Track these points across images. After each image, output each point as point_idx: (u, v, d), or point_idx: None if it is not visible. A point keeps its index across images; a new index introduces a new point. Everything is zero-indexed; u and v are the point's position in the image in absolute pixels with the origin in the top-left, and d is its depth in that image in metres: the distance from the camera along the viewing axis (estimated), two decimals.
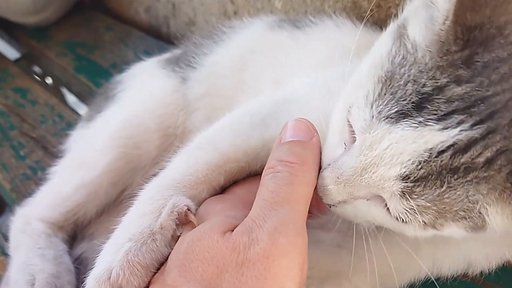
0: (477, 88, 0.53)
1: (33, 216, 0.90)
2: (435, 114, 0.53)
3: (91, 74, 1.48)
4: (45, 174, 0.98)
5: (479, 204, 0.54)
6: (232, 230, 0.56)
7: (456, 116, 0.53)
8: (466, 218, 0.56)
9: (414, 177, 0.55)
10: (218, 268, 0.54)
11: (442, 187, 0.54)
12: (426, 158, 0.54)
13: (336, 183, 0.60)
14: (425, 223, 0.57)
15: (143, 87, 1.01)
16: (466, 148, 0.53)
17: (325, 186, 0.61)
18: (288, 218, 0.55)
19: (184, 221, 0.62)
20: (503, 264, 0.74)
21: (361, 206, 0.61)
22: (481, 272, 0.73)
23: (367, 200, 0.60)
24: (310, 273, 0.66)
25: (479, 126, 0.53)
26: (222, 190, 0.72)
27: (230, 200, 0.67)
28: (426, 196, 0.55)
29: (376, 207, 0.60)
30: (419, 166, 0.54)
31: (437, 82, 0.54)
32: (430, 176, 0.54)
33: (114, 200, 0.94)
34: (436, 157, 0.54)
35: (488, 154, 0.53)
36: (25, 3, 1.62)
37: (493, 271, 0.73)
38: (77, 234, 0.94)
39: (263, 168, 0.63)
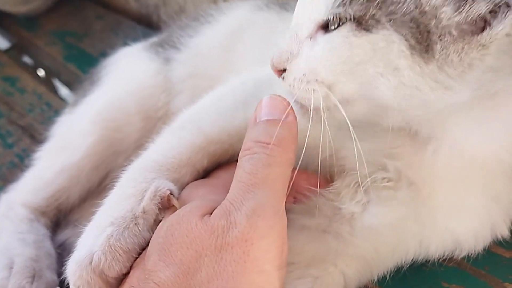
0: None
1: (16, 202, 0.90)
2: None
3: (80, 63, 1.46)
4: (31, 161, 0.98)
5: None
6: (211, 213, 0.56)
7: None
8: (402, 17, 0.55)
9: None
10: (197, 252, 0.53)
11: None
12: None
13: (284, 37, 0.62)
14: (355, 18, 0.56)
15: (125, 70, 1.01)
16: None
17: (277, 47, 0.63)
18: (266, 200, 0.55)
19: (167, 206, 0.62)
20: (488, 249, 0.73)
21: (306, 52, 0.61)
22: (466, 257, 0.72)
23: (311, 39, 0.61)
24: (295, 258, 0.67)
25: None
26: (206, 173, 0.71)
27: (214, 185, 0.66)
28: None
29: (316, 41, 0.60)
30: None
31: None
32: None
33: (97, 185, 0.93)
34: None
35: None
36: None
37: (479, 255, 0.72)
38: (61, 221, 0.93)
39: None
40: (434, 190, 0.68)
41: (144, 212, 0.60)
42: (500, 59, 0.56)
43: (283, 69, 0.62)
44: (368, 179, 0.67)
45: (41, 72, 1.47)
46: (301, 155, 0.65)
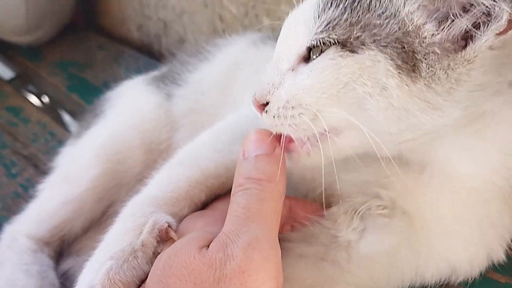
0: None
1: (20, 233, 0.91)
2: None
3: (83, 92, 1.49)
4: (35, 191, 0.99)
5: (397, 5, 0.56)
6: (208, 246, 0.57)
7: None
8: (386, 38, 0.56)
9: None
10: (196, 284, 0.54)
11: None
12: None
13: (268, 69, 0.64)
14: (339, 41, 0.57)
15: (128, 104, 1.03)
16: None
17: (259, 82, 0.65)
18: (260, 233, 0.57)
19: (165, 238, 0.63)
20: (485, 275, 0.73)
21: (288, 83, 0.62)
22: (462, 283, 0.73)
23: (293, 70, 0.62)
24: (293, 286, 0.68)
25: None
26: (204, 205, 0.72)
27: (211, 216, 0.68)
28: (338, 5, 0.58)
29: (299, 71, 0.61)
30: None
31: None
32: None
33: (100, 216, 0.95)
34: None
35: None
36: (18, 23, 1.63)
37: (476, 280, 0.73)
38: (64, 250, 0.94)
39: None
40: (428, 218, 0.69)
41: (143, 245, 0.62)
42: (486, 75, 0.57)
43: (265, 102, 0.64)
44: (363, 206, 0.69)
45: (45, 99, 1.49)
46: (298, 185, 0.67)
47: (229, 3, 1.36)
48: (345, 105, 0.59)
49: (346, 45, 0.57)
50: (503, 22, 0.52)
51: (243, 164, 0.63)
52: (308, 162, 0.65)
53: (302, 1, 0.65)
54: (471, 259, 0.71)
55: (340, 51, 0.57)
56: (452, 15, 0.55)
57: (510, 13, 0.52)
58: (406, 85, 0.56)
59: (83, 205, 0.91)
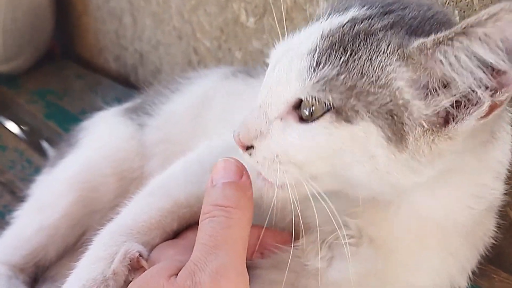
0: None
1: None
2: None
3: (60, 120, 1.51)
4: (11, 218, 1.00)
5: (389, 77, 0.57)
6: (177, 274, 0.59)
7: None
8: (378, 108, 0.57)
9: (320, 50, 0.60)
10: None
11: (346, 53, 0.59)
12: (328, 31, 0.61)
13: (251, 114, 0.65)
14: (335, 107, 0.58)
15: (101, 134, 1.05)
16: (363, 20, 0.61)
17: (244, 123, 0.65)
18: (228, 261, 0.58)
19: (136, 267, 0.64)
20: None
21: (277, 134, 0.63)
22: None
23: (281, 120, 0.63)
24: None
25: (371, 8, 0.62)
26: (175, 234, 0.74)
27: (182, 245, 0.68)
28: (333, 62, 0.58)
29: (290, 126, 0.62)
30: (323, 39, 0.60)
31: None
32: (334, 45, 0.59)
33: (74, 243, 0.96)
34: (336, 29, 0.61)
35: (385, 22, 0.60)
36: None
37: None
38: (39, 276, 0.95)
39: None
40: (394, 247, 0.70)
41: (114, 274, 0.62)
42: (465, 143, 0.59)
43: (250, 145, 0.65)
44: (331, 236, 0.70)
45: (23, 126, 1.51)
46: (267, 215, 0.69)
47: (202, 37, 1.40)
48: (331, 165, 0.62)
49: (341, 113, 0.58)
50: (484, 109, 0.55)
51: (210, 192, 0.64)
52: (279, 196, 0.65)
53: (287, 32, 0.67)
54: (435, 285, 0.72)
55: (335, 120, 0.58)
56: (435, 92, 0.57)
57: (492, 100, 0.54)
58: (393, 154, 0.58)
59: (57, 232, 0.92)
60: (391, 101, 0.57)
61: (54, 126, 1.50)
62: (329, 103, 0.58)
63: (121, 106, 1.14)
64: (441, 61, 0.55)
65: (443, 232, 0.69)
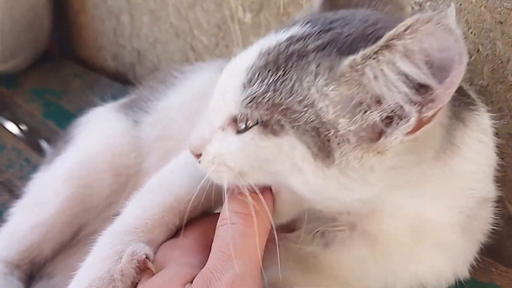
0: None
1: None
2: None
3: (59, 119, 1.50)
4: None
5: (315, 97, 0.58)
6: (191, 281, 0.58)
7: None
8: (304, 125, 0.58)
9: (254, 68, 0.61)
10: None
11: (277, 72, 0.60)
12: (265, 49, 0.62)
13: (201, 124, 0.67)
14: (262, 121, 0.60)
15: (96, 130, 1.04)
16: (300, 39, 0.61)
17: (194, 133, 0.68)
18: (244, 270, 0.58)
19: (143, 268, 0.64)
20: None
21: (217, 142, 0.65)
22: None
23: (223, 130, 0.64)
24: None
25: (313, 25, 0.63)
26: (177, 229, 0.73)
27: (186, 245, 0.68)
28: (263, 81, 0.60)
29: (229, 137, 0.64)
30: (260, 57, 0.61)
31: None
32: (268, 65, 0.60)
33: (70, 240, 0.96)
34: (273, 48, 0.61)
35: (319, 42, 0.60)
36: None
37: None
38: (35, 273, 0.95)
39: (215, 205, 0.69)
40: (390, 240, 0.70)
41: (122, 275, 0.62)
42: (399, 159, 0.59)
43: (199, 154, 0.67)
44: (322, 226, 0.71)
45: (22, 126, 1.50)
46: None
47: (200, 34, 1.40)
48: (267, 175, 0.63)
49: (267, 126, 0.60)
50: (410, 124, 0.55)
51: (230, 198, 0.65)
52: None
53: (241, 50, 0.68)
54: (438, 274, 0.73)
55: (262, 132, 0.60)
56: (369, 108, 0.57)
57: (418, 116, 0.54)
58: (321, 170, 0.59)
59: (52, 228, 0.92)
60: (317, 118, 0.58)
61: (53, 125, 1.49)
62: (257, 118, 0.60)
63: (116, 102, 1.14)
64: (369, 75, 0.55)
65: (437, 227, 0.69)
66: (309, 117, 0.58)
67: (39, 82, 1.72)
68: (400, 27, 0.51)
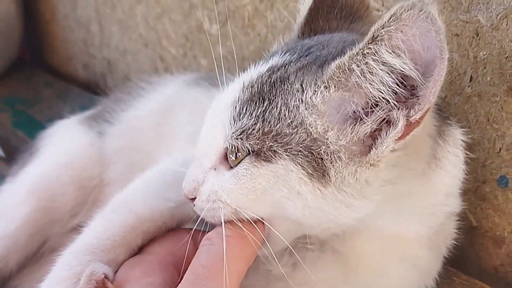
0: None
1: None
2: None
3: (29, 129, 1.49)
4: None
5: (303, 114, 0.60)
6: None
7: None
8: (296, 147, 0.59)
9: (240, 101, 0.62)
10: None
11: (264, 102, 0.61)
12: (248, 82, 0.63)
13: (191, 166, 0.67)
14: (254, 151, 0.60)
15: (60, 143, 1.05)
16: (280, 67, 0.63)
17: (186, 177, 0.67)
18: None
19: None
20: None
21: (210, 183, 0.65)
22: None
23: (215, 170, 0.65)
24: None
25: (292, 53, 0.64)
26: (140, 249, 0.72)
27: (149, 263, 0.67)
28: (251, 113, 0.61)
29: (222, 175, 0.64)
30: (244, 90, 0.63)
31: None
32: (253, 97, 0.62)
33: (35, 253, 0.95)
34: (256, 80, 0.63)
35: (299, 65, 0.62)
36: None
37: None
38: (1, 287, 0.94)
39: (181, 225, 0.68)
40: (360, 259, 0.71)
41: None
42: (393, 171, 0.60)
43: (194, 197, 0.67)
44: (290, 244, 0.70)
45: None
46: None
47: (168, 44, 1.41)
48: (265, 206, 0.63)
49: (260, 154, 0.60)
50: (399, 128, 0.56)
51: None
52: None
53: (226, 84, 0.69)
54: None
55: (255, 161, 0.61)
56: (360, 119, 0.58)
57: (406, 120, 0.56)
58: (318, 189, 0.60)
59: (17, 241, 0.92)
60: (308, 137, 0.59)
61: (22, 135, 1.49)
62: (248, 149, 0.61)
63: (82, 114, 1.14)
64: (356, 72, 0.56)
65: (406, 243, 0.71)
66: (300, 136, 0.60)
67: (10, 91, 1.71)
68: (385, 17, 0.53)
